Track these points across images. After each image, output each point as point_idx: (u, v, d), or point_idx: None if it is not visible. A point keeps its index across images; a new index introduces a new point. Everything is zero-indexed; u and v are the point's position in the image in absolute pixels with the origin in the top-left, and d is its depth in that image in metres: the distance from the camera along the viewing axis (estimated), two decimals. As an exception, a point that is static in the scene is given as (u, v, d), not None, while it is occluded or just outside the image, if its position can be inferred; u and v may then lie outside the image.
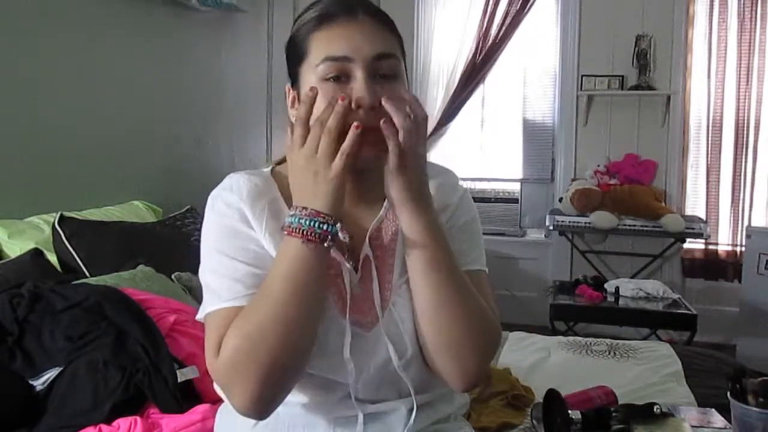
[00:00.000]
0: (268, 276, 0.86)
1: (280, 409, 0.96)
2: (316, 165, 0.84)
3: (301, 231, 0.83)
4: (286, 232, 0.85)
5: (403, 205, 0.88)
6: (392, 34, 0.94)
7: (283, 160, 1.04)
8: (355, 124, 0.83)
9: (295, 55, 0.94)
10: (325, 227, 0.84)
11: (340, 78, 0.89)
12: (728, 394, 1.17)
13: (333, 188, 0.84)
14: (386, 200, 0.99)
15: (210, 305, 0.91)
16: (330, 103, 0.85)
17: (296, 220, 0.84)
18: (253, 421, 0.98)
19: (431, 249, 0.89)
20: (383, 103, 0.85)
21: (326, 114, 0.84)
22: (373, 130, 0.86)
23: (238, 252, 0.91)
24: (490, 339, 0.93)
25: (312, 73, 0.90)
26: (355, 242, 0.95)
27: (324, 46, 0.90)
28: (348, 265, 0.93)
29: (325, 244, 0.84)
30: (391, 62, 0.91)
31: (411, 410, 0.96)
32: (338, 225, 0.85)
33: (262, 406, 0.85)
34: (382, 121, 0.84)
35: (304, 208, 0.84)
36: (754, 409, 1.12)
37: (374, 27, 0.91)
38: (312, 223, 0.83)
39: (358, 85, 0.88)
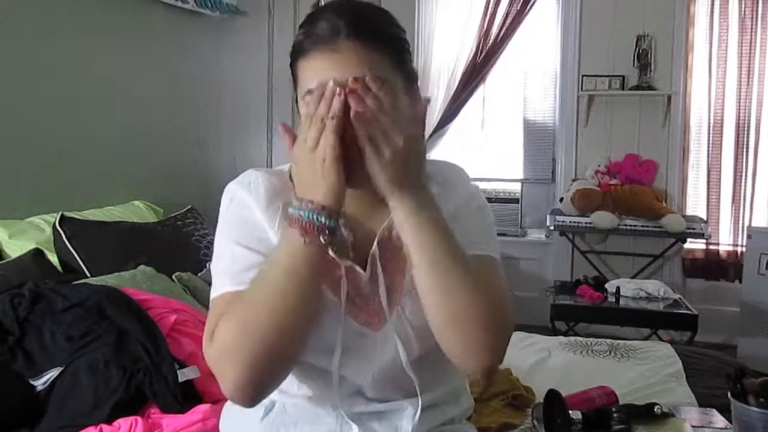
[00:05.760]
0: (268, 263, 0.87)
1: (287, 401, 0.97)
2: (314, 159, 0.83)
3: (300, 222, 0.83)
4: (288, 223, 0.85)
5: (392, 194, 0.85)
6: (381, 54, 0.88)
7: None
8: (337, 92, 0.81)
9: (292, 75, 0.94)
10: (322, 219, 0.83)
11: None
12: (729, 394, 1.18)
13: (331, 182, 0.83)
14: None
15: (216, 290, 0.92)
16: (320, 91, 0.83)
17: (296, 211, 0.84)
18: (260, 416, 0.99)
19: (426, 229, 0.85)
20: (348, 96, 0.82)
21: (322, 108, 0.82)
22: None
23: (251, 241, 0.92)
24: (499, 317, 0.88)
25: (302, 99, 0.90)
26: (365, 243, 0.95)
27: (304, 78, 0.89)
28: (345, 265, 0.92)
29: (322, 238, 0.83)
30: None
31: (417, 409, 0.96)
32: (340, 221, 0.85)
33: (250, 392, 0.85)
34: (351, 115, 0.81)
35: (309, 201, 0.83)
36: (755, 409, 1.13)
37: (358, 53, 0.86)
38: (311, 215, 0.83)
39: None
